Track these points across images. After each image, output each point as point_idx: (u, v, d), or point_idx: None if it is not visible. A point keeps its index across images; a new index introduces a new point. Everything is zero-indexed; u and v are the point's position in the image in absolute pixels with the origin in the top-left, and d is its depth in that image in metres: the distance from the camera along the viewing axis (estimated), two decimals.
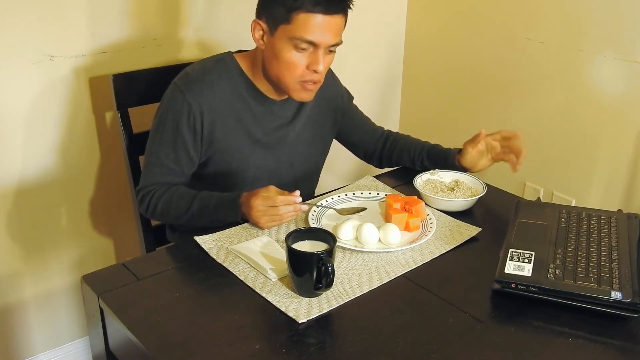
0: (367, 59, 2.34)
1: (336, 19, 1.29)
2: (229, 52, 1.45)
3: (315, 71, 1.32)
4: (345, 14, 1.31)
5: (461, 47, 2.24)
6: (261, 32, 1.34)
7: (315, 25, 1.27)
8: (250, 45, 1.47)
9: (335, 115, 1.58)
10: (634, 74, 1.79)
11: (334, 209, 1.37)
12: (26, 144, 1.65)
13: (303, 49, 1.30)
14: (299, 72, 1.32)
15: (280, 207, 1.23)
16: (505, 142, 1.48)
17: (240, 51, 1.47)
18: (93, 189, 1.81)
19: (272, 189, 1.25)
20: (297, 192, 1.24)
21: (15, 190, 1.67)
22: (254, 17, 1.36)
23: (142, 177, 1.42)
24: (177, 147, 1.37)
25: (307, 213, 1.34)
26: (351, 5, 1.31)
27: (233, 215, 1.29)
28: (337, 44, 1.32)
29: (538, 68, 2.02)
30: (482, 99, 2.22)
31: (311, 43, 1.29)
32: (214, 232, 1.28)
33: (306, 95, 1.37)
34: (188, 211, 1.33)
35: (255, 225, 1.28)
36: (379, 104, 2.47)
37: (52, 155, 1.70)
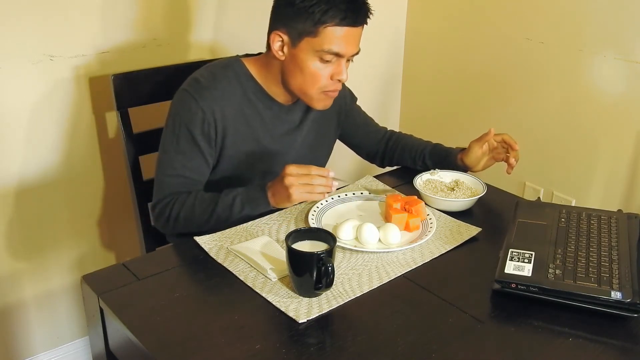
0: (367, 59, 2.33)
1: (359, 30, 1.32)
2: (237, 56, 1.44)
3: (340, 80, 1.34)
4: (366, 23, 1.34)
5: (461, 47, 2.24)
6: (280, 43, 1.33)
7: (341, 37, 1.28)
8: (253, 47, 1.47)
9: (339, 117, 1.58)
10: (634, 74, 1.79)
11: (363, 193, 1.41)
12: (26, 144, 1.65)
13: (328, 61, 1.31)
14: (323, 82, 1.33)
15: (314, 177, 1.22)
16: (505, 145, 1.48)
17: (246, 55, 1.46)
18: (93, 189, 1.81)
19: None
20: (330, 169, 1.24)
21: (16, 190, 1.67)
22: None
23: (157, 191, 1.38)
24: (194, 155, 1.36)
25: (307, 213, 1.34)
26: (371, 15, 1.33)
27: (263, 203, 1.28)
28: (358, 52, 1.35)
29: (538, 68, 2.02)
30: (482, 99, 2.22)
31: (337, 54, 1.30)
32: (214, 232, 1.28)
33: (328, 103, 1.40)
34: (213, 213, 1.30)
35: (285, 198, 1.24)
36: (379, 104, 2.47)
37: (52, 156, 1.70)
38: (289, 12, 1.30)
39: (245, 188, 1.32)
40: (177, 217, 1.34)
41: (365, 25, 1.33)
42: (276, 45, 1.34)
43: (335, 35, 1.28)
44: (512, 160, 1.46)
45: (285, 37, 1.32)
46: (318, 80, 1.33)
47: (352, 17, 1.28)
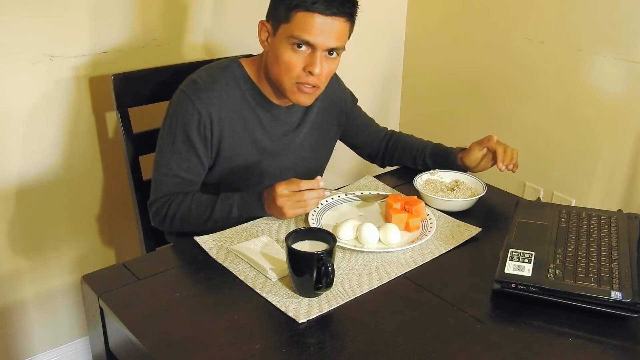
0: (367, 59, 2.34)
1: (335, 22, 1.27)
2: (235, 57, 1.44)
3: (311, 73, 1.29)
4: (349, 19, 1.30)
5: (461, 47, 2.24)
6: (267, 34, 1.34)
7: (313, 25, 1.26)
8: (252, 48, 1.47)
9: (340, 119, 1.58)
10: (634, 74, 1.79)
11: (356, 194, 1.41)
12: (26, 144, 1.65)
13: (300, 49, 1.28)
14: (295, 72, 1.30)
15: (304, 192, 1.23)
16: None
17: (246, 56, 1.46)
18: (93, 189, 1.81)
19: (294, 179, 1.26)
20: (319, 177, 1.25)
21: (16, 190, 1.67)
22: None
23: (154, 190, 1.39)
24: (190, 156, 1.36)
25: (307, 213, 1.34)
26: (355, 12, 1.31)
27: (260, 212, 1.31)
28: (336, 48, 1.30)
29: (538, 68, 2.02)
30: (482, 99, 2.22)
31: (307, 43, 1.28)
32: (214, 232, 1.28)
33: (303, 99, 1.35)
34: (210, 217, 1.32)
35: (280, 215, 1.27)
36: (379, 104, 2.47)
37: (52, 156, 1.70)
38: (272, 1, 1.32)
39: (242, 196, 1.32)
40: (173, 217, 1.35)
41: (345, 18, 1.28)
42: (263, 35, 1.34)
43: (305, 22, 1.26)
44: (510, 167, 1.45)
45: (269, 27, 1.33)
46: (290, 70, 1.30)
47: (322, 2, 1.24)
